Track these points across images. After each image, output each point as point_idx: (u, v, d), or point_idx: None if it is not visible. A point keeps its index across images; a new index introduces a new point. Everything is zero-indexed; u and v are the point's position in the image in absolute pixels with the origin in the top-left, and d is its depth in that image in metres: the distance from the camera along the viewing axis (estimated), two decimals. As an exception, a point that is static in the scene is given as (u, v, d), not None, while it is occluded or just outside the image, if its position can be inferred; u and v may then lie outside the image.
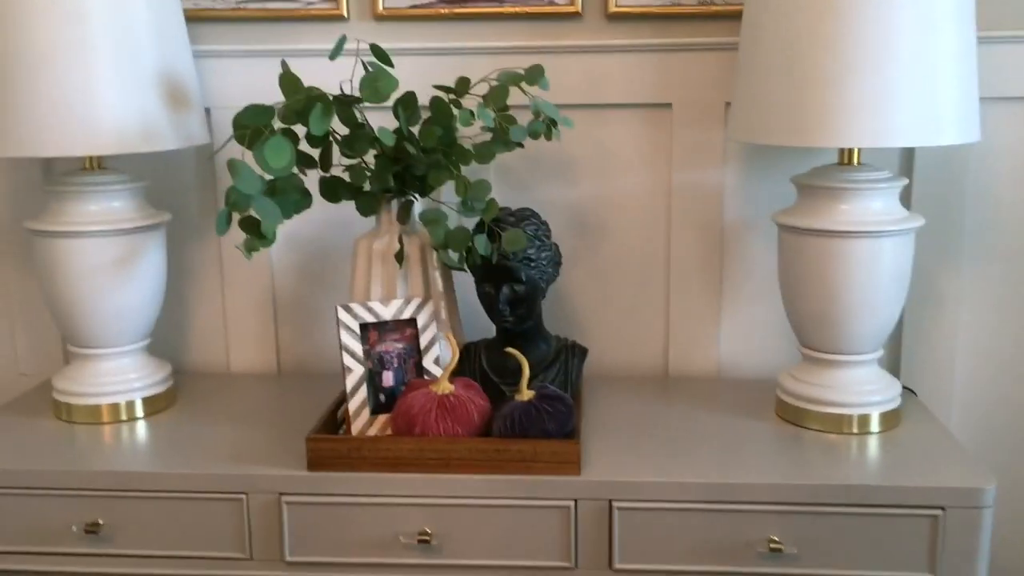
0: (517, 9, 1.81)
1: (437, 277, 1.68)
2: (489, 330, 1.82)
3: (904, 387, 1.70)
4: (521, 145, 1.58)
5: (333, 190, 1.66)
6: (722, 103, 1.81)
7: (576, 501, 1.46)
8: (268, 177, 1.46)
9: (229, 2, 1.84)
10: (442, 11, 1.82)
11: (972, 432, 1.89)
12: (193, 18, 1.82)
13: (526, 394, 1.52)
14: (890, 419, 1.63)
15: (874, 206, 1.56)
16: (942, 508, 1.42)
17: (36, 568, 1.55)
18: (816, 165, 1.65)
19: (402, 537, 1.49)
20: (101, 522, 1.53)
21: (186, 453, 1.59)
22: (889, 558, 1.44)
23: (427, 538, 1.48)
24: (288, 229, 1.87)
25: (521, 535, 1.48)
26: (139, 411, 1.74)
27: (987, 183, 1.82)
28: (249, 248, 1.49)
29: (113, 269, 1.66)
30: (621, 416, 1.72)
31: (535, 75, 1.57)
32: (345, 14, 1.83)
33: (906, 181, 1.61)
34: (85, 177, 1.68)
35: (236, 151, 1.45)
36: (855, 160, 1.60)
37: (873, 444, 1.59)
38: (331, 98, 1.47)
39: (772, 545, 1.43)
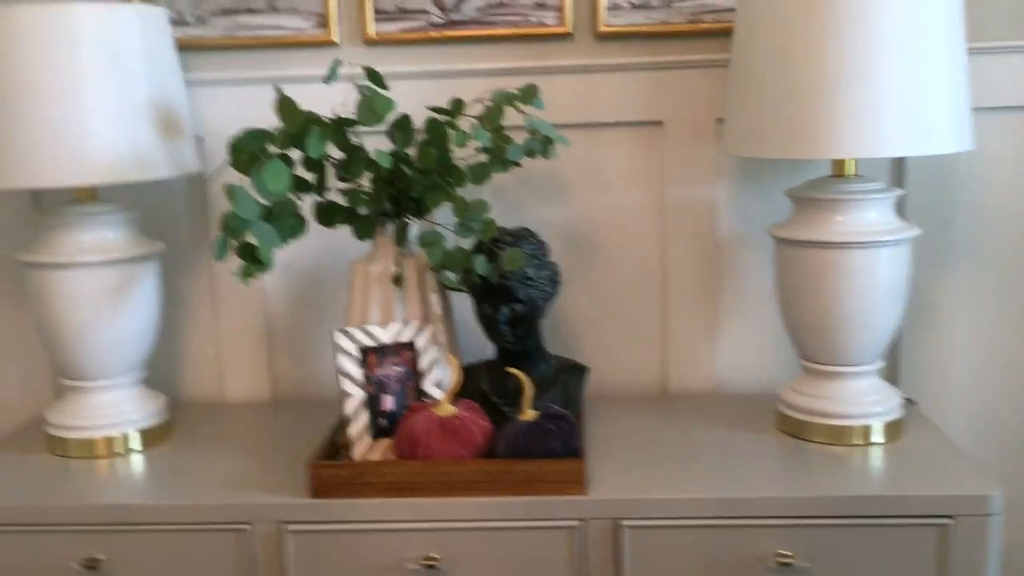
0: (508, 31, 1.81)
1: (434, 299, 1.67)
2: (485, 352, 1.82)
3: (904, 397, 1.70)
4: (518, 164, 1.58)
5: (328, 215, 1.65)
6: (713, 119, 1.82)
7: (583, 521, 1.45)
8: (264, 202, 1.45)
9: (219, 30, 1.84)
10: (432, 35, 1.82)
11: (973, 440, 1.89)
12: (184, 46, 1.81)
13: (529, 414, 1.51)
14: (893, 429, 1.63)
15: (869, 217, 1.57)
16: (951, 517, 1.42)
17: (34, 606, 1.52)
18: (809, 178, 1.66)
19: (408, 563, 1.47)
20: (101, 558, 1.50)
21: (185, 484, 1.56)
22: (899, 568, 1.43)
23: (433, 563, 1.46)
24: (281, 255, 1.86)
25: (528, 557, 1.46)
26: (135, 444, 1.72)
27: (980, 193, 1.83)
28: (246, 274, 1.48)
29: (107, 300, 1.64)
30: (623, 434, 1.71)
31: (529, 94, 1.57)
32: (336, 39, 1.84)
33: (901, 191, 1.62)
34: (77, 208, 1.66)
35: (226, 179, 1.44)
36: (849, 171, 1.61)
37: (877, 455, 1.58)
38: (328, 121, 1.46)
39: (781, 559, 1.42)
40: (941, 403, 1.87)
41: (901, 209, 1.75)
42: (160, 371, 1.93)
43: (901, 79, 1.44)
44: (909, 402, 1.75)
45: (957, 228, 1.84)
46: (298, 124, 1.42)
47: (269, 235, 1.43)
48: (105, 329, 1.66)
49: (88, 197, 1.69)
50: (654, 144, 1.85)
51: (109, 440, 1.70)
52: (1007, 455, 1.91)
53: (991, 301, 1.87)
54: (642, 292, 1.92)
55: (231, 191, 1.38)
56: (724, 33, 1.77)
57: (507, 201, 1.87)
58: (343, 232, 1.68)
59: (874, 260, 1.55)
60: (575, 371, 1.67)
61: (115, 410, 1.71)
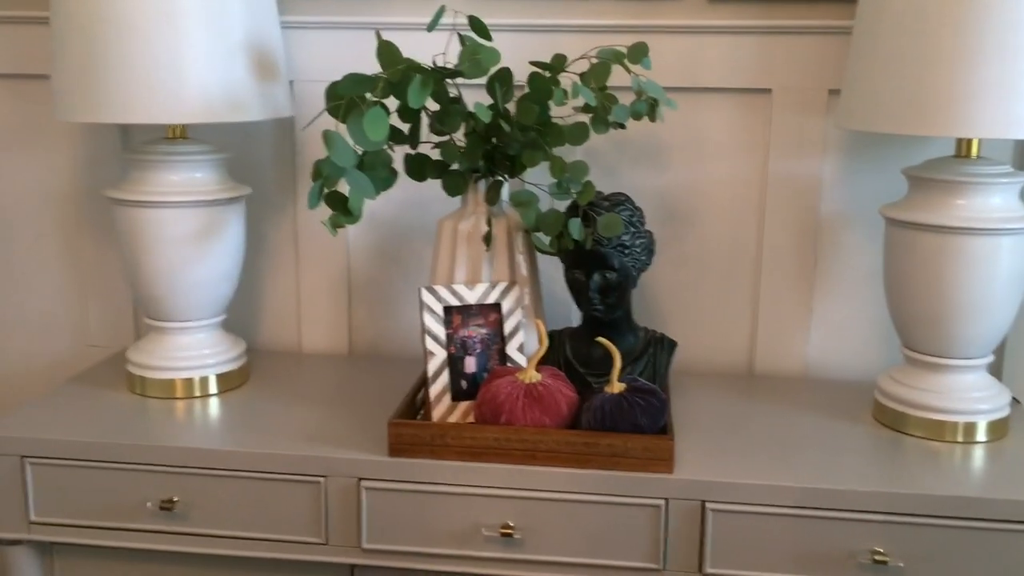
0: (613, -14, 1.73)
1: (522, 261, 1.62)
2: (569, 318, 1.77)
3: (1012, 397, 1.61)
4: (622, 126, 1.51)
5: (419, 168, 1.60)
6: (825, 90, 1.73)
7: (667, 500, 1.40)
8: (359, 151, 1.41)
9: (318, -29, 1.79)
10: (536, -14, 1.75)
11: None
12: (280, -13, 1.78)
13: (616, 386, 1.46)
14: (998, 428, 1.54)
15: (993, 202, 1.47)
16: (1059, 525, 1.34)
17: (111, 543, 1.53)
18: (926, 157, 1.56)
19: (484, 529, 1.43)
20: (176, 499, 1.49)
21: (262, 433, 1.55)
22: (998, 575, 1.35)
23: (510, 531, 1.42)
24: (367, 208, 1.81)
25: (607, 533, 1.42)
26: (213, 387, 1.71)
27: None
28: (335, 224, 1.44)
29: (194, 241, 1.62)
30: (708, 413, 1.65)
31: (638, 53, 1.50)
32: (435, -13, 1.78)
33: (1028, 177, 1.52)
34: (168, 146, 1.64)
35: (319, 124, 1.39)
36: (973, 152, 1.51)
37: (979, 454, 1.50)
38: (429, 70, 1.41)
39: (876, 557, 1.36)
40: (1048, 404, 1.77)
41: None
42: (240, 317, 1.92)
43: (1043, 56, 1.34)
44: (1015, 401, 1.66)
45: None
46: (399, 72, 1.37)
47: (364, 185, 1.39)
48: (189, 270, 1.65)
49: (178, 136, 1.67)
50: (760, 113, 1.77)
51: (188, 382, 1.69)
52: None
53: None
54: (735, 267, 1.84)
55: (329, 137, 1.34)
56: (844, -1, 1.67)
57: (601, 164, 1.80)
58: (430, 186, 1.64)
59: (995, 248, 1.45)
60: (664, 344, 1.61)
61: (195, 352, 1.70)
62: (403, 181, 1.60)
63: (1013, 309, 1.52)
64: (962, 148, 1.52)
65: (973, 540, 1.35)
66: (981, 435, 1.53)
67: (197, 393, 1.70)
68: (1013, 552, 1.35)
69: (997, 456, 1.49)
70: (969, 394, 1.53)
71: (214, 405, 1.67)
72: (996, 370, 1.78)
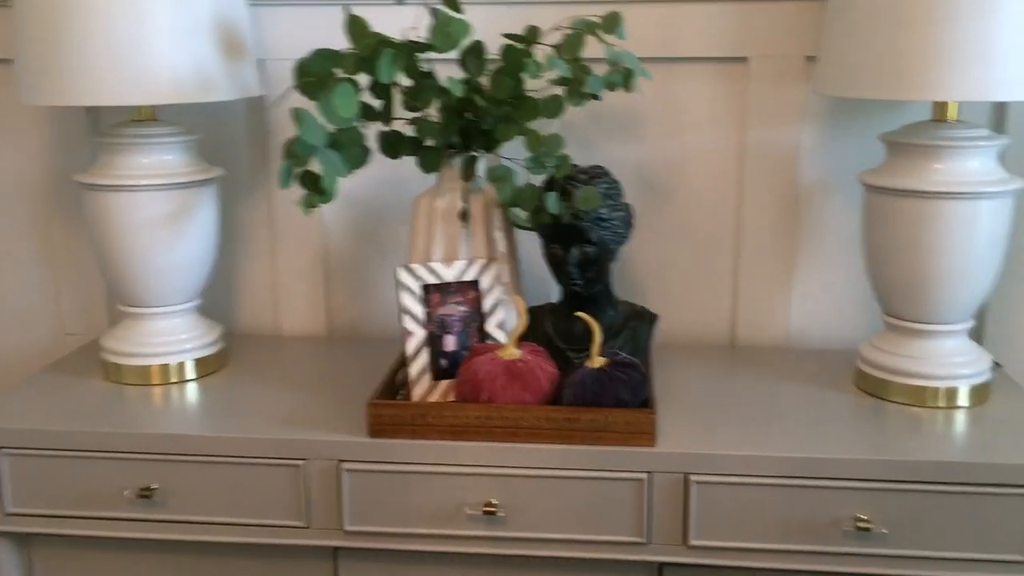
0: (586, -45, 1.71)
1: (500, 237, 1.60)
2: (549, 294, 1.75)
3: (992, 360, 1.61)
4: (597, 97, 1.49)
5: (393, 145, 1.58)
6: (802, 57, 1.71)
7: (650, 474, 1.39)
8: (330, 128, 1.39)
9: (284, -54, 1.76)
10: (506, -43, 1.72)
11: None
12: (246, -37, 1.74)
13: (597, 361, 1.44)
14: (979, 393, 1.54)
15: (971, 166, 1.46)
16: (1041, 487, 1.34)
17: (89, 533, 1.51)
18: (904, 122, 1.55)
19: (467, 508, 1.42)
20: (154, 487, 1.48)
21: (241, 417, 1.53)
22: (984, 539, 1.36)
23: (493, 509, 1.41)
24: (342, 188, 1.78)
25: (591, 508, 1.41)
26: (190, 373, 1.69)
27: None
28: (308, 204, 1.42)
29: (166, 224, 1.60)
30: (690, 385, 1.64)
31: (612, 23, 1.47)
32: (405, -40, 1.74)
33: (1006, 140, 1.51)
34: (137, 129, 1.61)
35: (289, 103, 1.37)
36: (950, 116, 1.50)
37: (961, 419, 1.50)
38: (400, 44, 1.38)
39: (859, 524, 1.36)
40: (1029, 366, 1.77)
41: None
42: (216, 300, 1.89)
43: (1020, 16, 1.32)
44: (996, 365, 1.66)
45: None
46: (369, 47, 1.35)
47: (335, 163, 1.37)
48: (162, 254, 1.62)
49: (147, 118, 1.64)
50: (737, 82, 1.75)
51: (164, 368, 1.67)
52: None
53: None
54: (715, 238, 1.83)
55: (299, 115, 1.31)
56: (820, -37, 1.65)
57: (577, 137, 1.77)
58: (406, 164, 1.61)
59: (974, 213, 1.45)
60: (644, 318, 1.60)
61: (171, 338, 1.68)
62: (378, 159, 1.57)
63: (993, 273, 1.52)
64: (939, 112, 1.51)
65: (956, 505, 1.35)
66: (963, 400, 1.53)
67: (174, 379, 1.67)
68: (996, 515, 1.35)
69: (979, 421, 1.49)
70: (950, 359, 1.53)
71: (191, 391, 1.65)
72: (977, 335, 1.77)
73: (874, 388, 1.58)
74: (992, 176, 1.47)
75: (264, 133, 1.85)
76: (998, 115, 1.71)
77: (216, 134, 1.84)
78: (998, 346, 1.77)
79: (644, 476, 1.39)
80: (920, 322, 1.53)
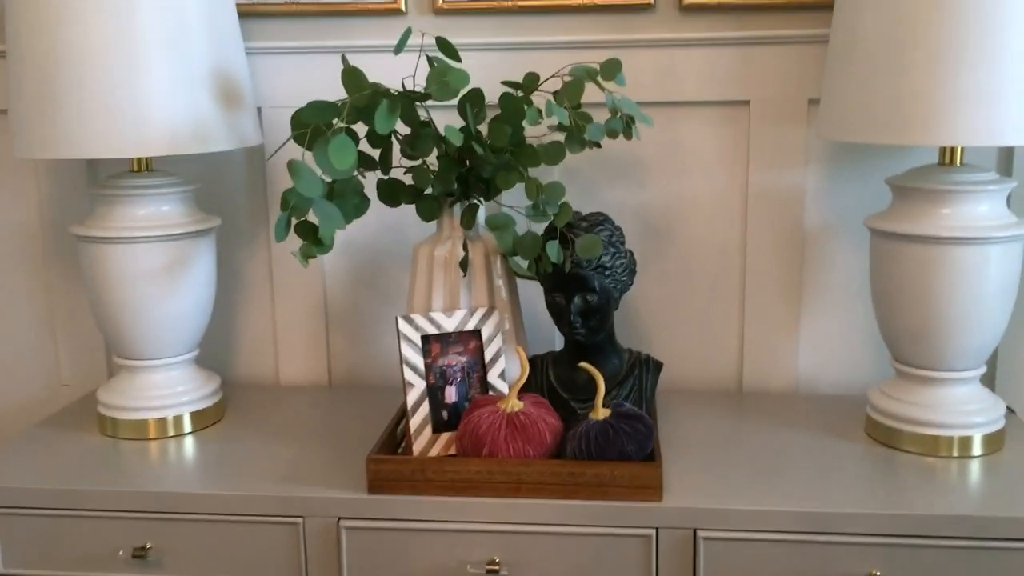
0: (585, 1, 1.70)
1: (501, 286, 1.58)
2: (553, 342, 1.73)
3: (1007, 407, 1.57)
4: (598, 145, 1.47)
5: (393, 193, 1.56)
6: (805, 100, 1.69)
7: (657, 530, 1.35)
8: (327, 179, 1.37)
9: (282, -4, 1.75)
10: (505, 4, 1.72)
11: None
12: (245, 14, 1.73)
13: (601, 412, 1.41)
14: (993, 441, 1.50)
15: (980, 210, 1.44)
16: (1062, 542, 1.30)
17: (82, 595, 1.47)
18: (909, 166, 1.53)
19: (470, 566, 1.38)
20: (149, 546, 1.44)
21: (238, 473, 1.50)
22: (1003, 596, 1.31)
23: (496, 567, 1.37)
24: (342, 235, 1.77)
25: (597, 565, 1.37)
26: (187, 426, 1.66)
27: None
28: (306, 255, 1.40)
29: (163, 276, 1.58)
30: (697, 435, 1.61)
31: (612, 70, 1.46)
32: (403, 8, 1.74)
33: (1015, 183, 1.48)
34: (134, 180, 1.59)
35: (287, 153, 1.36)
36: (957, 160, 1.47)
37: (975, 469, 1.46)
38: (397, 94, 1.37)
39: (873, 580, 1.32)
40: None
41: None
42: (214, 349, 1.87)
43: (1025, 60, 1.31)
44: (1009, 411, 1.62)
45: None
46: (366, 97, 1.33)
47: (332, 215, 1.35)
48: (159, 306, 1.60)
49: (144, 169, 1.63)
50: (739, 125, 1.73)
51: (161, 421, 1.64)
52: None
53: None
54: (720, 283, 1.80)
55: (294, 167, 1.29)
56: (820, 6, 1.64)
57: (578, 183, 1.76)
58: (406, 211, 1.60)
59: (984, 257, 1.42)
60: (649, 366, 1.57)
61: (168, 391, 1.65)
62: (378, 205, 1.56)
63: (1004, 318, 1.49)
64: (946, 156, 1.48)
65: (973, 560, 1.31)
66: (977, 449, 1.49)
67: (171, 433, 1.64)
68: (1016, 571, 1.31)
69: (994, 470, 1.45)
70: (963, 407, 1.50)
71: (188, 444, 1.62)
72: (988, 380, 1.74)
73: (885, 437, 1.54)
74: (1001, 220, 1.44)
75: (263, 182, 1.84)
76: (1005, 158, 1.69)
77: (214, 183, 1.82)
78: (1011, 391, 1.73)
79: (651, 532, 1.35)
80: (931, 369, 1.50)
